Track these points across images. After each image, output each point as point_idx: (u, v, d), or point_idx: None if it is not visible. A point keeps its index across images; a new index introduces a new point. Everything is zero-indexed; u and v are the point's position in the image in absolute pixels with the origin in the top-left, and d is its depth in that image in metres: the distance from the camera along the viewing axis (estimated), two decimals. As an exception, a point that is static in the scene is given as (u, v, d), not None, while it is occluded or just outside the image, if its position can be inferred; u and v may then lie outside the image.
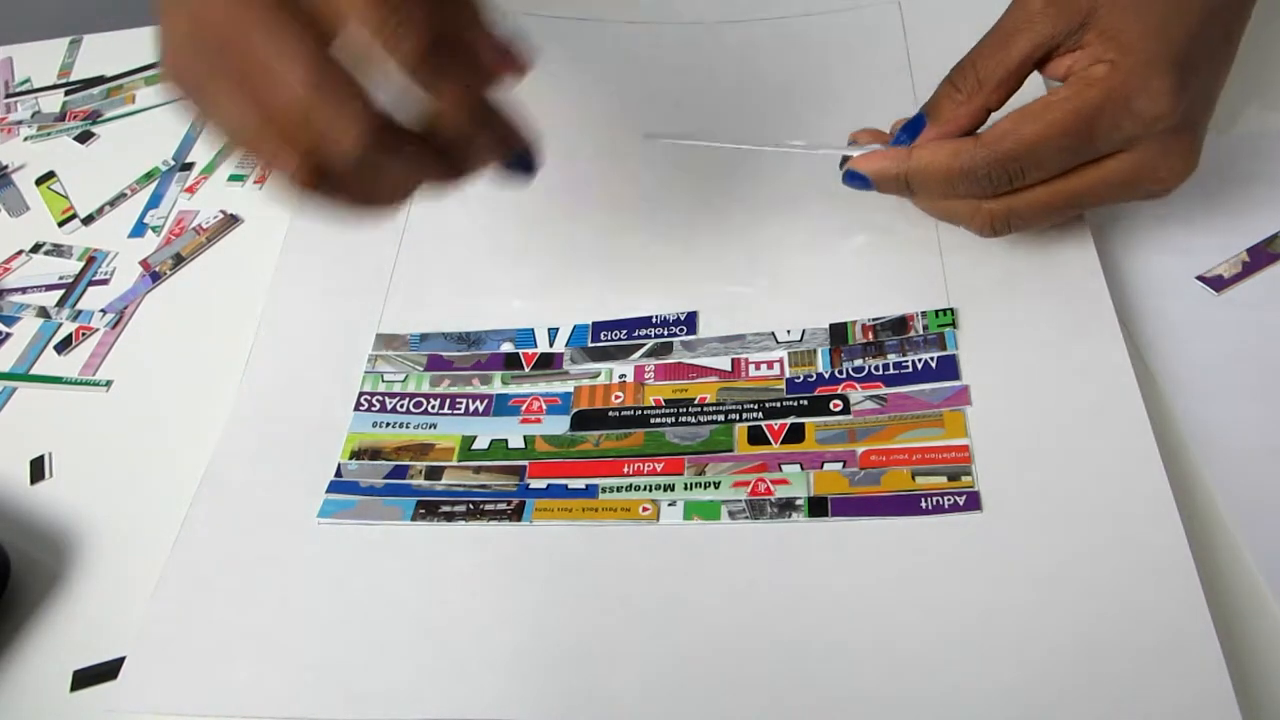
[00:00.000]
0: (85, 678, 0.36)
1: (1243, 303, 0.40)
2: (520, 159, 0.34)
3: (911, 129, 0.39)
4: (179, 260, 0.49)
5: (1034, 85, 0.38)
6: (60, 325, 0.47)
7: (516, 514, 0.37)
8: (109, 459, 0.42)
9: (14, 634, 0.37)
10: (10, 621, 0.37)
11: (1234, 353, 0.38)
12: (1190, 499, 0.35)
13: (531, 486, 0.38)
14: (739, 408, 0.40)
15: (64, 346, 0.46)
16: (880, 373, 0.39)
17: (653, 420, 0.40)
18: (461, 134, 0.32)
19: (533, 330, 0.43)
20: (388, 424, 0.41)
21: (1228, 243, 0.41)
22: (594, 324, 0.43)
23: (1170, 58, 0.34)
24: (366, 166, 0.30)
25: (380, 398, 0.42)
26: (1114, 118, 0.35)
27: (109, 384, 0.45)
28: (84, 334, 0.47)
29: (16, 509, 0.41)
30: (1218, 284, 0.40)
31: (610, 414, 0.40)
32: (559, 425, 0.40)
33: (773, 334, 0.42)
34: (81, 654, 0.36)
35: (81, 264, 0.50)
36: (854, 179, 0.40)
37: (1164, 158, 0.36)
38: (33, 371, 0.46)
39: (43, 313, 0.48)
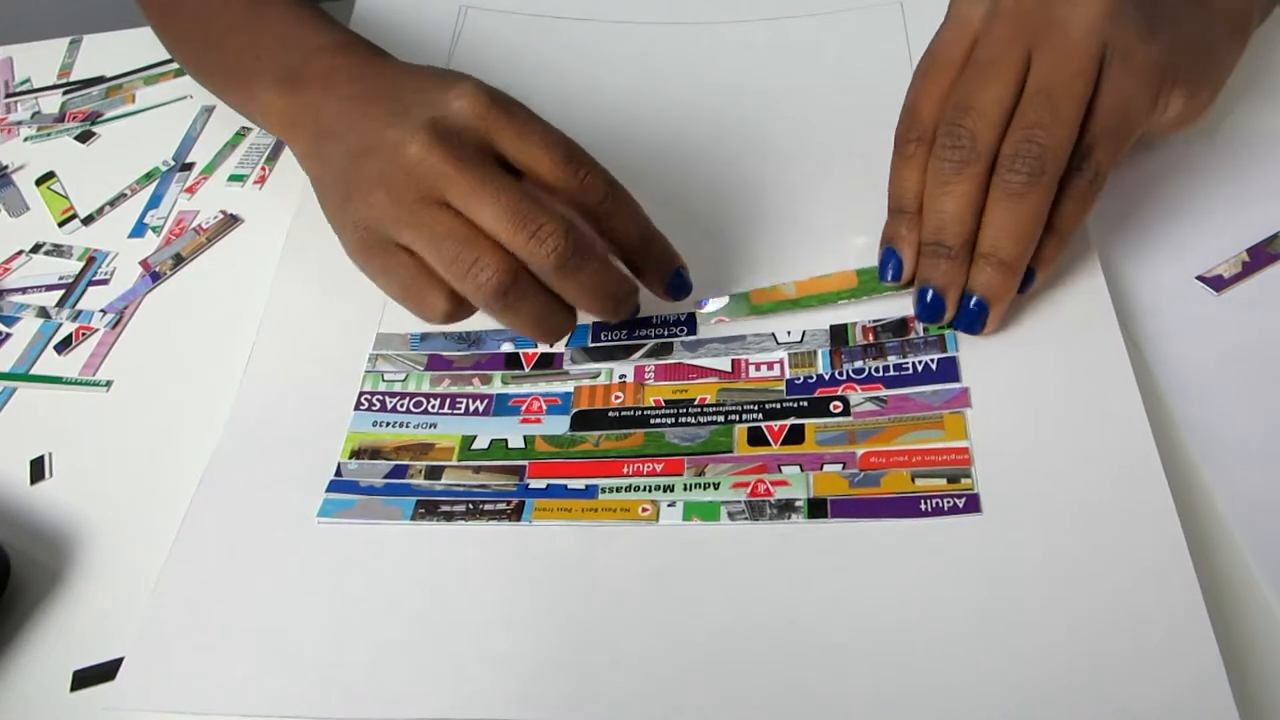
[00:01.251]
0: (85, 678, 0.36)
1: (1243, 303, 0.40)
2: (677, 278, 0.41)
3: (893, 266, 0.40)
4: (179, 260, 0.49)
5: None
6: (60, 325, 0.47)
7: (516, 514, 0.37)
8: (109, 459, 0.42)
9: (14, 634, 0.37)
10: (10, 621, 0.37)
11: (1234, 353, 0.38)
12: (1189, 499, 0.35)
13: (531, 486, 0.38)
14: (739, 408, 0.40)
15: (64, 346, 0.46)
16: (880, 374, 0.39)
17: (653, 421, 0.40)
18: (634, 252, 0.40)
19: (533, 330, 0.43)
20: (388, 423, 0.41)
21: (1228, 243, 0.41)
22: (594, 324, 0.43)
23: None
24: (566, 269, 0.36)
25: (380, 397, 0.42)
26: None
27: (109, 384, 0.45)
28: (84, 334, 0.47)
29: (16, 509, 0.41)
30: (1218, 284, 0.40)
31: (610, 414, 0.40)
32: (559, 425, 0.40)
33: (773, 335, 0.42)
34: (81, 654, 0.36)
35: (81, 264, 0.50)
36: (922, 302, 0.39)
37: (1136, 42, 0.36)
38: (33, 371, 0.46)
39: (43, 313, 0.48)
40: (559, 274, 0.36)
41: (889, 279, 0.40)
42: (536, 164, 0.37)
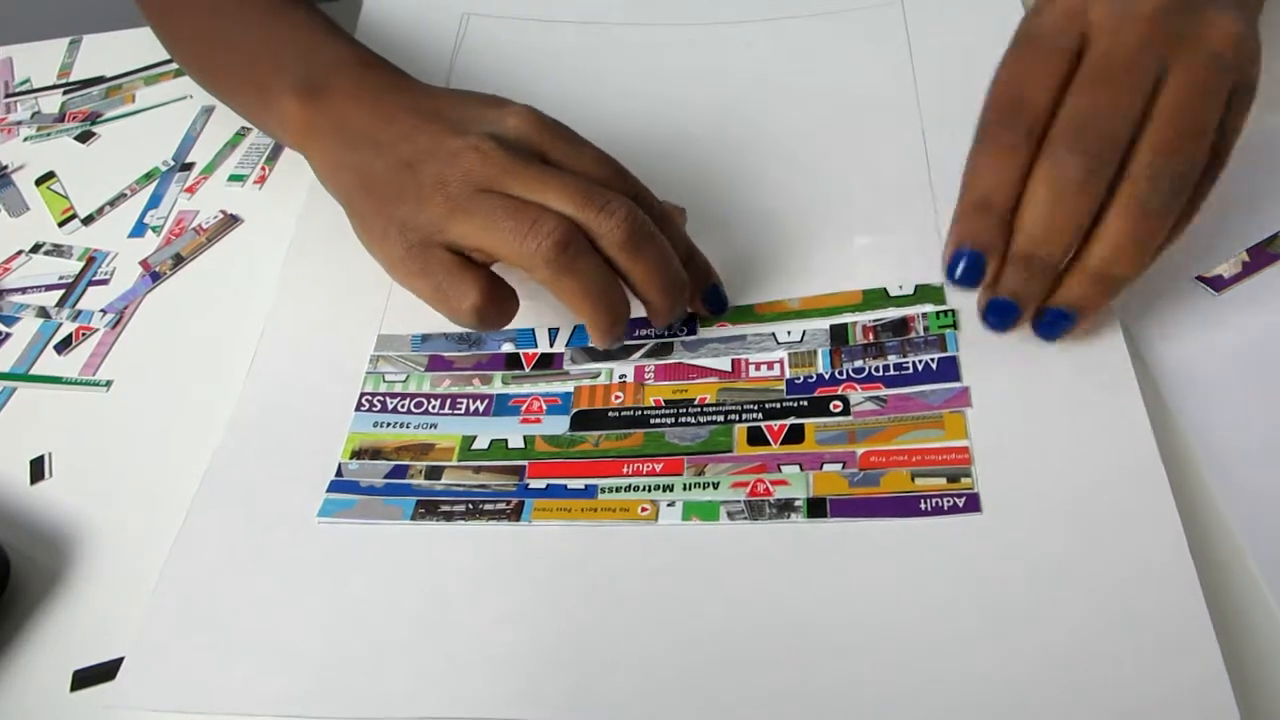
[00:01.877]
0: (85, 678, 0.36)
1: (1243, 303, 0.40)
2: (714, 291, 0.42)
3: (969, 268, 0.36)
4: (179, 260, 0.49)
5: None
6: (60, 325, 0.47)
7: (516, 514, 0.37)
8: (109, 459, 0.42)
9: (14, 634, 0.37)
10: (10, 621, 0.37)
11: (1234, 353, 0.38)
12: (1190, 499, 0.35)
13: (531, 486, 0.38)
14: (739, 408, 0.40)
15: (64, 346, 0.46)
16: (880, 374, 0.39)
17: (652, 420, 0.40)
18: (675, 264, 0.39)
19: (533, 330, 0.43)
20: (388, 424, 0.41)
21: (1228, 243, 0.41)
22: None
23: None
24: (634, 239, 0.37)
25: (381, 398, 0.42)
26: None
27: (109, 384, 0.45)
28: (84, 334, 0.47)
29: (16, 509, 0.41)
30: (1218, 284, 0.40)
31: (610, 414, 0.40)
32: (559, 425, 0.40)
33: (773, 334, 0.42)
34: (81, 654, 0.36)
35: (81, 264, 0.50)
36: (998, 313, 0.36)
37: (1209, 27, 0.34)
38: (33, 371, 0.46)
39: (43, 313, 0.48)
40: (627, 245, 0.37)
41: (958, 279, 0.36)
42: (592, 176, 0.38)
